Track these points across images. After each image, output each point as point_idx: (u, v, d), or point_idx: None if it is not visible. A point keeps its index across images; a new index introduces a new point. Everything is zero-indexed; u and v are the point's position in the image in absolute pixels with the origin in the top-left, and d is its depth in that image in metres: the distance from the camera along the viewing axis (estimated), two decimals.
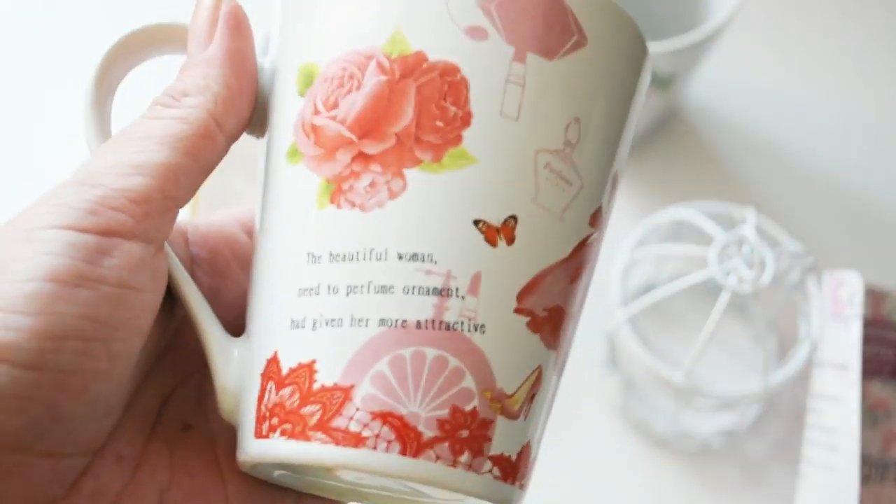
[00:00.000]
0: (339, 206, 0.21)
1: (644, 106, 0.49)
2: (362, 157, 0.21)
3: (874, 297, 0.41)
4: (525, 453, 0.22)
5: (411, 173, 0.20)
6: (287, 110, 0.22)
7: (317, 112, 0.21)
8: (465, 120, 0.20)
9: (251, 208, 0.27)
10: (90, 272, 0.19)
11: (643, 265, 0.50)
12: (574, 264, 0.22)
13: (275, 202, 0.22)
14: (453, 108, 0.20)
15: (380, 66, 0.21)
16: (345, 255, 0.21)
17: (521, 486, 0.22)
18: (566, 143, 0.21)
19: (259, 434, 0.21)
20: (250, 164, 0.25)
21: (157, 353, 0.24)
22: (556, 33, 0.21)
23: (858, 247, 0.53)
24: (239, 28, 0.23)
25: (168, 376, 0.24)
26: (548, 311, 0.21)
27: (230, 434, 0.24)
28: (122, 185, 0.20)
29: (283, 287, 0.21)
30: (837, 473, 0.40)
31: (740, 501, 0.46)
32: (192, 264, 0.25)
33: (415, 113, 0.20)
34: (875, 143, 0.57)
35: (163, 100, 0.22)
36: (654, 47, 0.44)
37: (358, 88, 0.21)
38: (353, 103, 0.21)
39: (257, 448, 0.21)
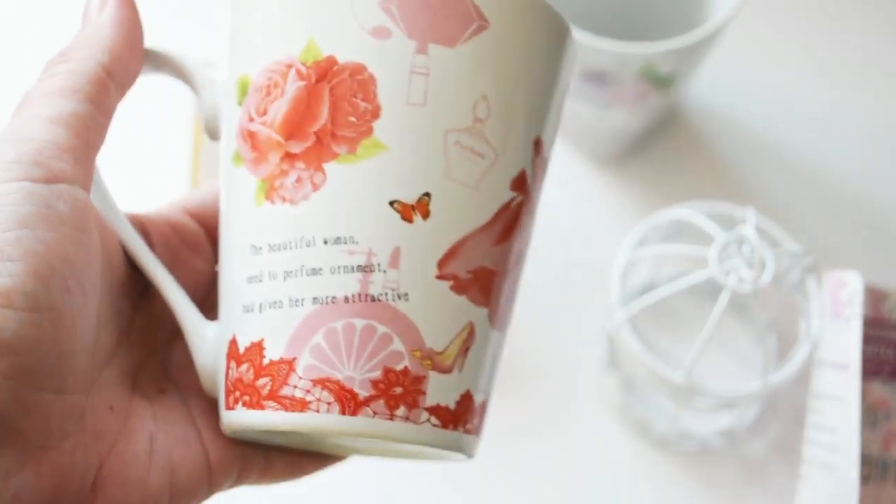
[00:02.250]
0: (272, 202, 0.23)
1: (645, 107, 0.49)
2: (289, 156, 0.23)
3: (874, 297, 0.41)
4: (466, 402, 0.24)
5: (330, 166, 0.23)
6: (231, 119, 0.25)
7: (251, 119, 0.24)
8: (375, 113, 0.22)
9: (192, 194, 0.30)
10: (52, 216, 0.21)
11: (643, 265, 0.50)
12: (497, 228, 0.24)
13: (226, 202, 0.25)
14: (363, 104, 0.22)
15: (298, 73, 0.23)
16: (280, 245, 0.23)
17: (468, 431, 0.24)
18: (475, 119, 0.23)
19: (227, 406, 0.24)
20: None
21: (123, 325, 0.26)
22: (455, 22, 0.23)
23: (858, 247, 0.53)
24: (126, 1, 0.25)
25: (137, 347, 0.26)
26: (472, 272, 0.23)
27: (200, 397, 0.26)
28: (49, 136, 0.22)
29: (235, 277, 0.24)
30: (837, 473, 0.40)
31: (740, 501, 0.46)
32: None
33: (329, 112, 0.23)
34: (875, 142, 0.57)
35: (54, 59, 0.24)
36: (654, 47, 0.44)
37: (282, 95, 0.23)
38: (279, 109, 0.23)
39: (227, 418, 0.24)
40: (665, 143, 0.56)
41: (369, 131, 0.22)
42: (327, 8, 0.23)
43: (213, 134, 0.26)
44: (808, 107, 0.58)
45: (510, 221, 0.24)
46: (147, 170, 0.52)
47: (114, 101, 0.24)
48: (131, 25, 0.25)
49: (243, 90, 0.24)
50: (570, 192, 0.54)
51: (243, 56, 0.24)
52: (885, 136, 0.57)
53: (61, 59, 0.24)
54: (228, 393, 0.24)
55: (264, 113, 0.23)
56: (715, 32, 0.45)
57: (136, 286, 0.26)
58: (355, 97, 0.22)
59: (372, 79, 0.22)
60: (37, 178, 0.21)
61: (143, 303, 0.27)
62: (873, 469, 0.39)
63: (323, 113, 0.23)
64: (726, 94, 0.57)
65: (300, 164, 0.23)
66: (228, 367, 0.24)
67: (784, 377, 0.43)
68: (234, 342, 0.24)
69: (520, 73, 0.24)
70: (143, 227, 0.27)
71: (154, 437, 0.24)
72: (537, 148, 0.25)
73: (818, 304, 0.43)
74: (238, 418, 0.24)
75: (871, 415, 0.40)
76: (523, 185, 0.24)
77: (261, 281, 0.23)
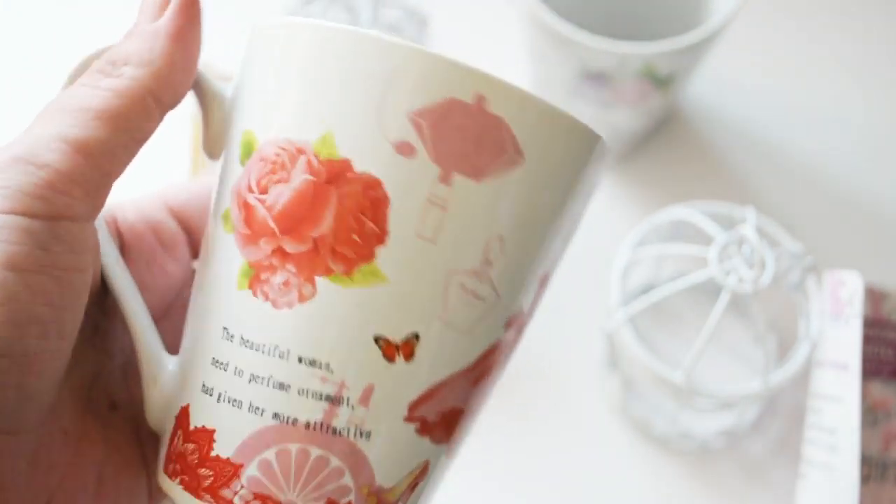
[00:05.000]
0: (255, 294, 0.21)
1: (645, 107, 0.49)
2: (281, 252, 0.21)
3: (874, 297, 0.41)
4: None
5: (322, 282, 0.21)
6: (230, 170, 0.22)
7: (250, 189, 0.21)
8: (381, 238, 0.20)
9: (177, 190, 0.27)
10: (44, 258, 0.19)
11: (643, 265, 0.50)
12: (479, 370, 0.22)
13: (208, 255, 0.23)
14: (370, 224, 0.20)
15: (309, 164, 0.21)
16: (253, 344, 0.21)
17: None
18: (485, 261, 0.21)
19: (166, 470, 0.23)
20: None
21: (88, 331, 0.24)
22: (487, 153, 0.20)
23: (858, 247, 0.53)
24: (191, 9, 0.22)
25: (97, 354, 0.25)
26: (442, 414, 0.22)
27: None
28: (65, 167, 0.20)
29: (201, 349, 0.22)
30: (837, 473, 0.40)
31: (740, 501, 0.46)
32: (120, 252, 0.25)
33: (334, 222, 0.20)
34: (875, 143, 0.57)
35: (102, 66, 0.21)
36: (654, 47, 0.44)
37: (286, 181, 0.21)
38: (280, 195, 0.21)
39: (164, 483, 0.23)
40: (665, 143, 0.56)
41: (370, 256, 0.20)
42: (352, 104, 0.20)
43: (214, 153, 0.24)
44: (808, 107, 0.58)
45: (495, 361, 0.23)
46: (146, 156, 0.51)
47: (154, 128, 0.22)
48: (190, 42, 0.22)
49: (247, 150, 0.22)
50: None
51: (254, 114, 0.22)
52: (885, 137, 0.57)
53: (108, 70, 0.21)
54: (170, 458, 0.23)
55: (265, 191, 0.21)
56: (715, 32, 0.45)
57: (102, 294, 0.25)
58: (364, 214, 0.20)
59: (385, 199, 0.20)
60: (37, 214, 0.19)
61: (114, 305, 0.25)
62: (873, 469, 0.39)
63: (326, 220, 0.20)
64: (726, 94, 0.57)
65: (291, 267, 0.21)
66: (175, 434, 0.23)
67: (784, 377, 0.43)
68: (186, 413, 0.23)
69: (545, 209, 0.22)
70: (116, 227, 0.25)
71: (103, 466, 0.23)
72: (542, 283, 0.23)
73: (818, 304, 0.43)
74: (173, 491, 0.23)
75: (871, 415, 0.40)
76: (517, 323, 0.23)
77: (225, 370, 0.22)
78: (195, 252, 0.27)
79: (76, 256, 0.20)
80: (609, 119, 0.51)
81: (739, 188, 0.54)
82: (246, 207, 0.22)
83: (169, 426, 0.23)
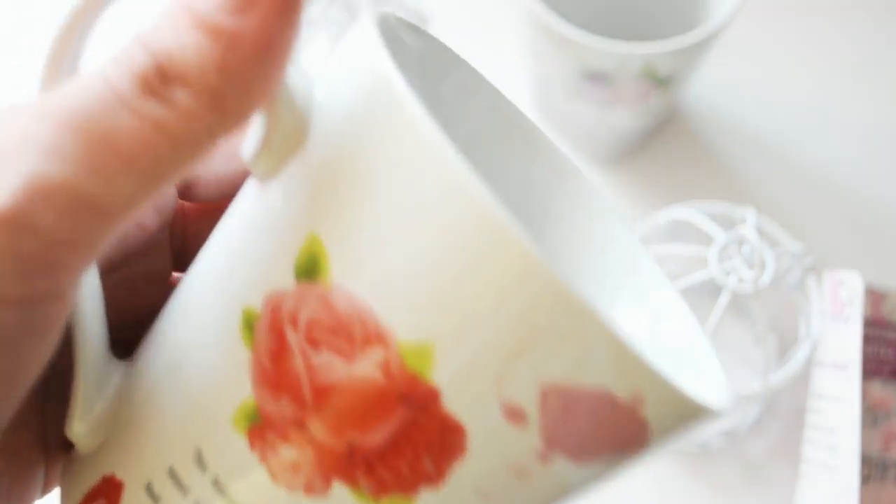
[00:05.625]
0: (251, 447, 0.17)
1: (645, 107, 0.49)
2: (304, 429, 0.16)
3: (874, 297, 0.41)
4: None
5: (340, 488, 0.16)
6: (277, 256, 0.16)
7: (295, 323, 0.16)
8: (434, 482, 0.16)
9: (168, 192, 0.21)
10: (5, 359, 0.14)
11: None
12: None
13: (202, 330, 0.18)
14: (429, 465, 0.16)
15: (386, 365, 0.15)
16: (228, 496, 0.18)
17: None
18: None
19: None
20: None
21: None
22: (610, 447, 0.16)
23: (858, 247, 0.53)
24: (292, 5, 0.14)
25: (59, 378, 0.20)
26: None
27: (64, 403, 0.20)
28: (65, 232, 0.14)
29: (159, 444, 0.18)
30: (837, 473, 0.40)
31: (740, 501, 0.46)
32: None
33: (385, 441, 0.16)
34: (875, 143, 0.57)
35: (145, 71, 0.14)
36: (655, 47, 0.44)
37: (348, 358, 0.16)
38: (331, 369, 0.16)
39: None
40: (665, 143, 0.56)
41: (412, 492, 0.16)
42: (480, 334, 0.15)
43: (261, 174, 0.17)
44: (808, 107, 0.58)
45: None
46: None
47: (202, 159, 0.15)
48: (282, 58, 0.14)
49: (310, 269, 0.16)
50: None
51: (333, 222, 0.16)
52: (885, 136, 0.57)
53: (153, 82, 0.14)
54: None
55: (314, 345, 0.16)
56: (715, 32, 0.45)
57: None
58: (428, 453, 0.16)
59: (461, 450, 0.16)
60: (8, 300, 0.14)
61: None
62: (873, 469, 0.39)
63: (377, 435, 0.16)
64: (726, 94, 0.57)
65: (309, 453, 0.16)
66: (95, 498, 0.19)
67: (784, 377, 0.43)
68: (117, 489, 0.19)
69: (620, 475, 0.18)
70: None
71: None
72: None
73: (818, 304, 0.43)
74: None
75: (871, 415, 0.40)
76: None
77: (183, 495, 0.18)
78: (184, 195, 0.21)
79: (48, 339, 0.15)
80: (609, 119, 0.51)
81: (739, 188, 0.54)
82: (280, 341, 0.16)
83: (93, 477, 0.19)
